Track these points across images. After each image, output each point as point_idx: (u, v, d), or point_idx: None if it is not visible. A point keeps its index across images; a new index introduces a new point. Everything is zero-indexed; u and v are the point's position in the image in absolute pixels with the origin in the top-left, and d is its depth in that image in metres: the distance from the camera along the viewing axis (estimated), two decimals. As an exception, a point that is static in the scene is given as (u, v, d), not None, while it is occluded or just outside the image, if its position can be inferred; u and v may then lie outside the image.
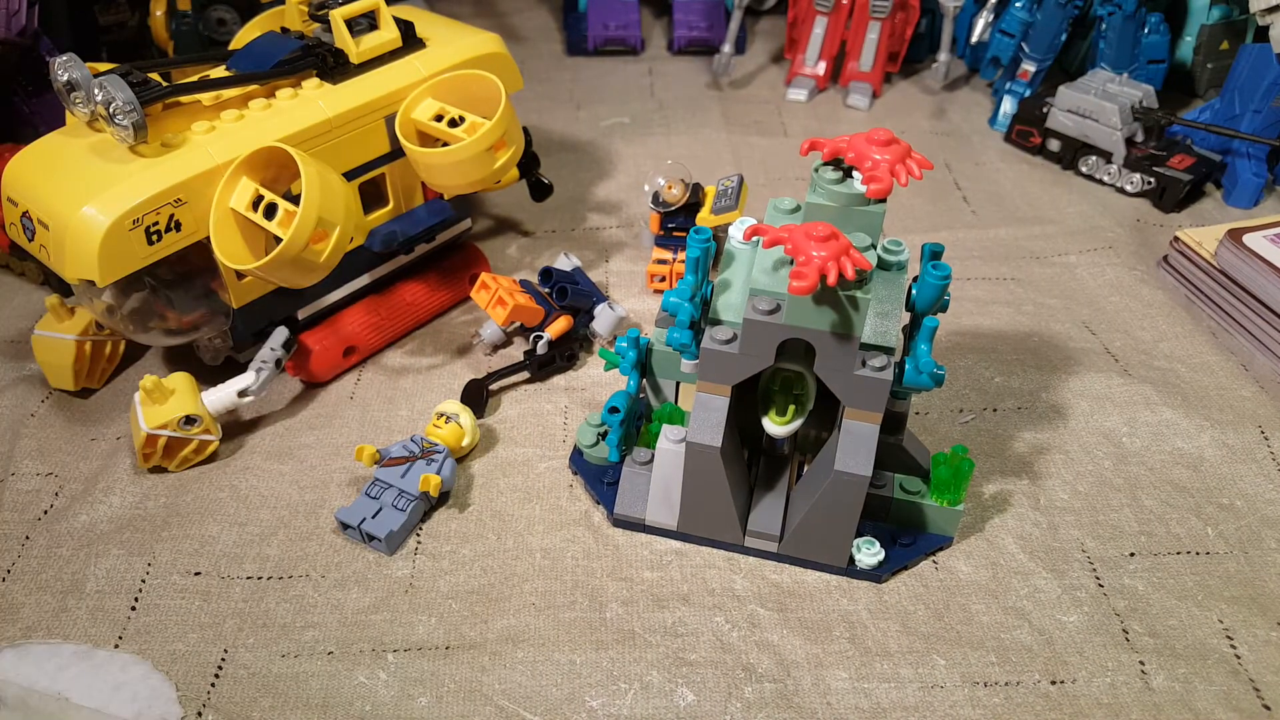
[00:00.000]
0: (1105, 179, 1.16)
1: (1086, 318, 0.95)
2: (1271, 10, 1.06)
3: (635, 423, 0.77)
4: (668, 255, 0.97)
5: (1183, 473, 0.79)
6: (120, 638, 0.67)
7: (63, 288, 0.85)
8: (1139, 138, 1.14)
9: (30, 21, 1.01)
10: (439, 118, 0.82)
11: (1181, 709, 0.63)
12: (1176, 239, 1.00)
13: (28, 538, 0.73)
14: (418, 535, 0.74)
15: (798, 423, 0.67)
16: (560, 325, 0.86)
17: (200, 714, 0.62)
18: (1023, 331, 0.93)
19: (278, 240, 0.72)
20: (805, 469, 0.75)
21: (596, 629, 0.67)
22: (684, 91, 1.36)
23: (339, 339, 0.86)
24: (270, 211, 0.73)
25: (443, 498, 0.76)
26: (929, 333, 0.65)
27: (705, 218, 0.93)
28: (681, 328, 0.66)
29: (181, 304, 0.79)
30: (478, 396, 0.84)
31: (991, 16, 1.34)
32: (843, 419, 0.66)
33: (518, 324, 0.90)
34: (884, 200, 0.63)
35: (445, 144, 0.81)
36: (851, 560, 0.70)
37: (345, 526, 0.73)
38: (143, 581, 0.70)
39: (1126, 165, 1.13)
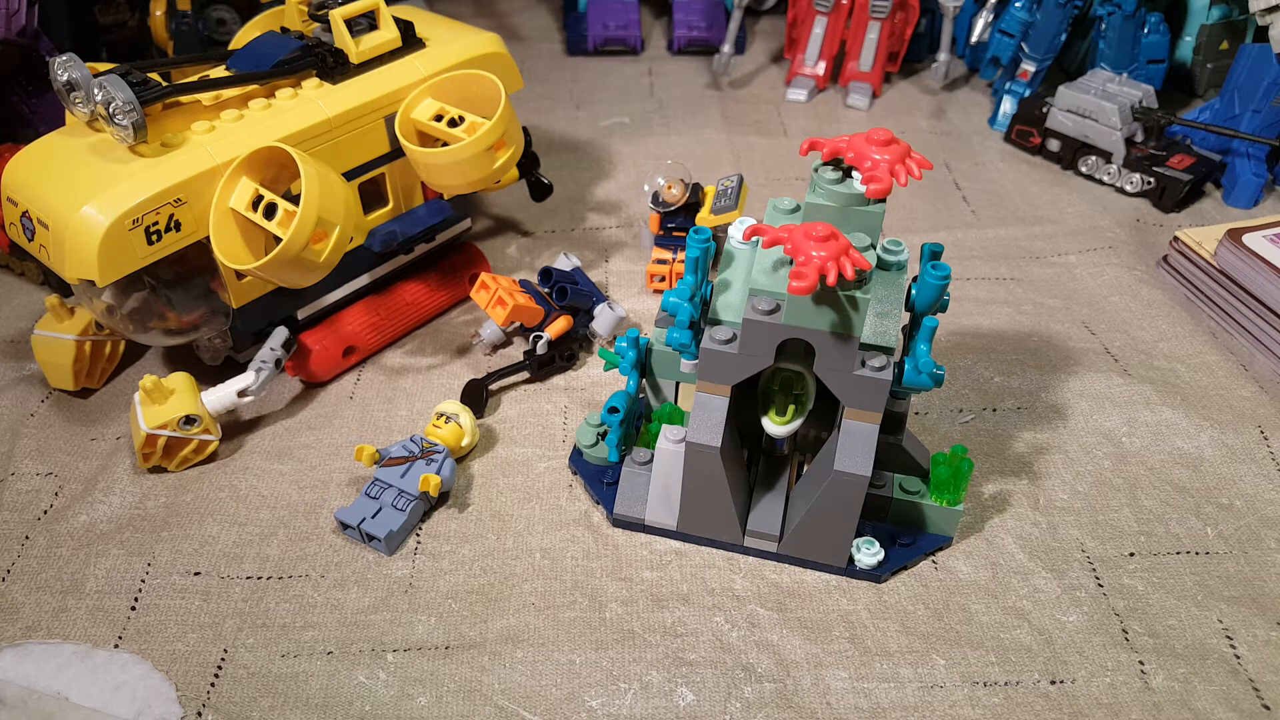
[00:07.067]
0: (1105, 179, 1.16)
1: (1086, 318, 0.95)
2: (1271, 10, 1.06)
3: (635, 423, 0.77)
4: (667, 255, 0.97)
5: (1182, 473, 0.79)
6: (120, 638, 0.67)
7: (63, 288, 0.85)
8: (1139, 138, 1.14)
9: (30, 21, 1.01)
10: (439, 118, 0.82)
11: (1181, 709, 0.63)
12: (1176, 239, 1.00)
13: (27, 538, 0.73)
14: (417, 535, 0.74)
15: (798, 423, 0.67)
16: (560, 325, 0.86)
17: (200, 714, 0.62)
18: (1022, 331, 0.93)
19: (278, 240, 0.72)
20: (805, 469, 0.75)
21: (596, 629, 0.67)
22: (684, 91, 1.36)
23: (339, 339, 0.86)
24: (270, 211, 0.74)
25: (442, 498, 0.76)
26: (928, 333, 0.65)
27: (705, 218, 0.93)
28: (681, 328, 0.66)
29: (181, 304, 0.79)
30: (477, 396, 0.84)
31: (991, 16, 1.34)
32: (842, 419, 0.66)
33: (517, 324, 0.90)
34: (883, 200, 0.63)
35: (445, 144, 0.81)
36: (851, 560, 0.70)
37: (345, 526, 0.73)
38: (142, 581, 0.70)
39: (1126, 165, 1.13)
